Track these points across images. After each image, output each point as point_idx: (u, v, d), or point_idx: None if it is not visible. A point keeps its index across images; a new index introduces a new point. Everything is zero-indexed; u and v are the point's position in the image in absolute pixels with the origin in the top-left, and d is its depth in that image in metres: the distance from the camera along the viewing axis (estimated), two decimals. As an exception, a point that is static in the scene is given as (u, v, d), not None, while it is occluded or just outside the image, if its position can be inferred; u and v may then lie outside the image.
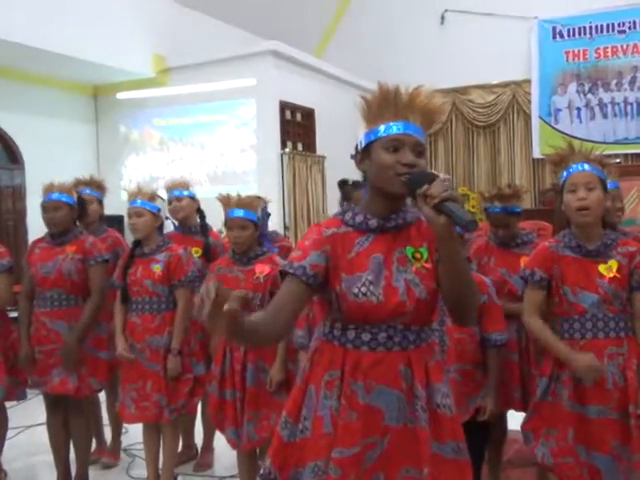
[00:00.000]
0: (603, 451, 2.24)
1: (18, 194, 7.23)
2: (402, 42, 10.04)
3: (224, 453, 3.60)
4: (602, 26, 9.15)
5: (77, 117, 8.13)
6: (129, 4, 7.27)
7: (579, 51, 9.30)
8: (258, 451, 3.09)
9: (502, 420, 3.12)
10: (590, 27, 9.22)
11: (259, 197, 3.24)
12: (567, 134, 8.78)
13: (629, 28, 9.02)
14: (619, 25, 9.06)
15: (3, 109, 6.97)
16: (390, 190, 1.58)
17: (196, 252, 3.62)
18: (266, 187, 7.12)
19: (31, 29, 6.12)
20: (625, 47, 9.07)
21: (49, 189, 3.28)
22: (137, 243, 3.26)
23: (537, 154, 9.43)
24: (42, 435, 3.51)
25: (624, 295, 2.27)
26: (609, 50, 9.16)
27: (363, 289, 1.58)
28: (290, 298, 1.60)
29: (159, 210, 3.27)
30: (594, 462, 2.25)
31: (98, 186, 3.95)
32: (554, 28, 9.40)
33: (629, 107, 9.12)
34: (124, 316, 3.24)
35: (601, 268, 2.27)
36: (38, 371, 3.28)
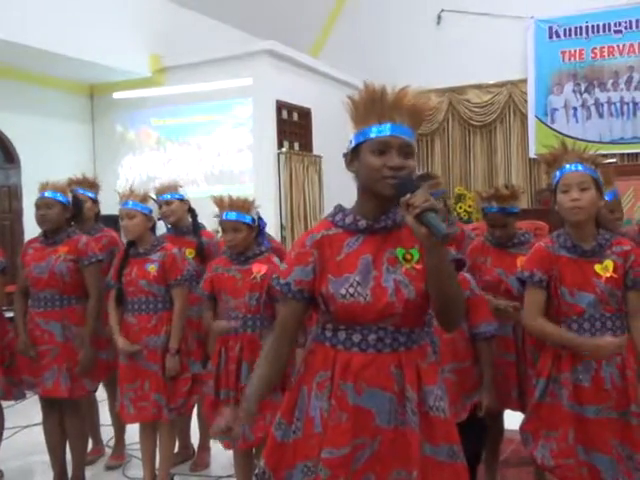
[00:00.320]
0: (603, 451, 2.24)
1: (14, 194, 7.23)
2: (398, 42, 10.05)
3: (220, 453, 3.60)
4: (598, 26, 9.17)
5: (73, 117, 8.12)
6: (126, 4, 7.27)
7: (575, 51, 9.32)
8: (254, 451, 3.09)
9: (499, 420, 3.12)
10: (586, 27, 9.24)
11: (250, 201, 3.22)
12: (563, 134, 8.80)
13: (625, 28, 9.04)
14: (615, 25, 9.08)
15: (-1, 109, 6.97)
16: (378, 192, 1.58)
17: (190, 253, 3.62)
18: (263, 187, 7.13)
19: (27, 28, 6.11)
20: (621, 47, 9.09)
21: (43, 188, 3.29)
22: (131, 243, 3.26)
23: (533, 154, 9.45)
24: (38, 435, 3.50)
25: (620, 294, 2.27)
26: (605, 50, 9.18)
27: (350, 290, 1.59)
28: (288, 318, 1.71)
29: (151, 211, 3.27)
30: (594, 462, 2.25)
31: (91, 185, 3.93)
32: (550, 28, 9.42)
33: (625, 107, 9.14)
34: (119, 315, 3.24)
35: (597, 268, 2.27)
36: (31, 372, 3.28)
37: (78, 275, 3.27)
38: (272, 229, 6.34)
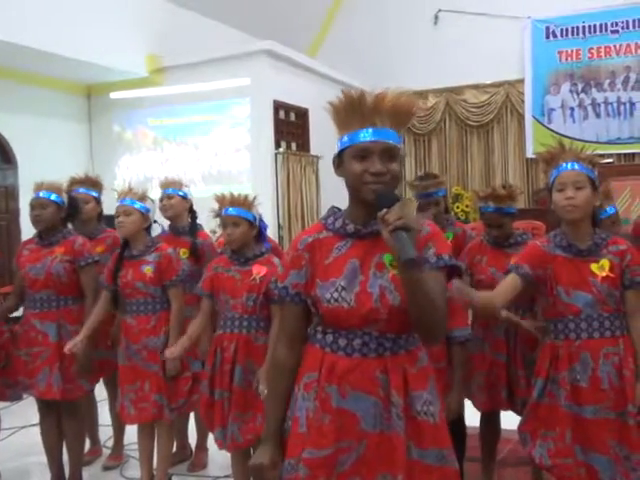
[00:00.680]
0: (600, 451, 2.24)
1: (11, 194, 7.21)
2: (396, 42, 10.06)
3: (218, 453, 3.59)
4: (595, 26, 9.18)
5: (71, 117, 8.10)
6: (123, 4, 7.26)
7: (572, 51, 9.33)
8: (252, 451, 3.09)
9: (495, 420, 3.13)
10: (583, 27, 9.25)
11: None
12: (560, 134, 8.82)
13: (622, 28, 9.05)
14: (612, 25, 9.10)
15: (-4, 109, 6.96)
16: (362, 198, 1.58)
17: (184, 254, 3.61)
18: (260, 187, 7.12)
19: (24, 28, 6.09)
20: (618, 47, 9.11)
21: (38, 188, 3.28)
22: (126, 244, 3.25)
23: (530, 154, 9.46)
24: (35, 436, 3.50)
25: (617, 294, 2.27)
26: (602, 50, 9.19)
27: (335, 295, 1.59)
28: (289, 321, 1.73)
29: (148, 211, 3.26)
30: (591, 462, 2.25)
31: (93, 184, 3.88)
32: (547, 28, 9.43)
33: (622, 107, 9.15)
34: (99, 317, 3.23)
35: (593, 267, 2.27)
36: (27, 373, 3.27)
37: (74, 276, 3.27)
38: (269, 229, 6.33)
